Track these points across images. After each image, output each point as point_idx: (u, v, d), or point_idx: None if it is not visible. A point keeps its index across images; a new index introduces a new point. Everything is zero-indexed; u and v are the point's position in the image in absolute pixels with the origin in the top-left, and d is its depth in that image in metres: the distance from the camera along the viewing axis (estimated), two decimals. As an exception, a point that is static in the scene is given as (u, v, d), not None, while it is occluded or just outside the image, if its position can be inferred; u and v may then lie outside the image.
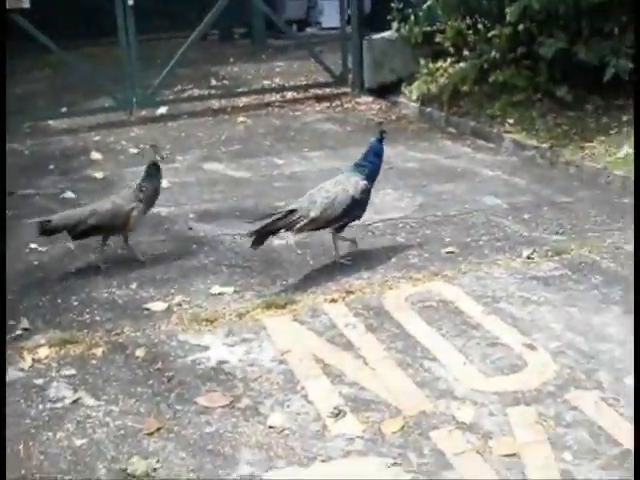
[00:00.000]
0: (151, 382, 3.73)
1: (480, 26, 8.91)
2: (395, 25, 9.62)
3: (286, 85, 10.68)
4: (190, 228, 5.71)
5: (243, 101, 10.05)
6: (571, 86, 7.71)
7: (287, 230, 4.74)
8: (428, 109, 8.88)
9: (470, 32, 9.00)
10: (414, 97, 9.16)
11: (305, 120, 9.06)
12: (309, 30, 15.96)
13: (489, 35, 8.36)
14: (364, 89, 10.01)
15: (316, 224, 4.77)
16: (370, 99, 9.79)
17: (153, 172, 5.16)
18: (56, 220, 4.97)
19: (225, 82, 11.41)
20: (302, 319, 4.26)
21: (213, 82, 11.29)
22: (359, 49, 10.04)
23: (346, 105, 9.68)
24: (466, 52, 8.97)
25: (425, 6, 8.90)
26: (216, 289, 4.66)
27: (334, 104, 9.73)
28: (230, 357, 3.91)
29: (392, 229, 5.50)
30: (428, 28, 9.45)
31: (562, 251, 5.02)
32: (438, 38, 9.18)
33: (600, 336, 3.98)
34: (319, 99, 9.94)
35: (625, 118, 7.21)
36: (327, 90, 10.26)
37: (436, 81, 9.04)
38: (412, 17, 9.33)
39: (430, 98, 8.95)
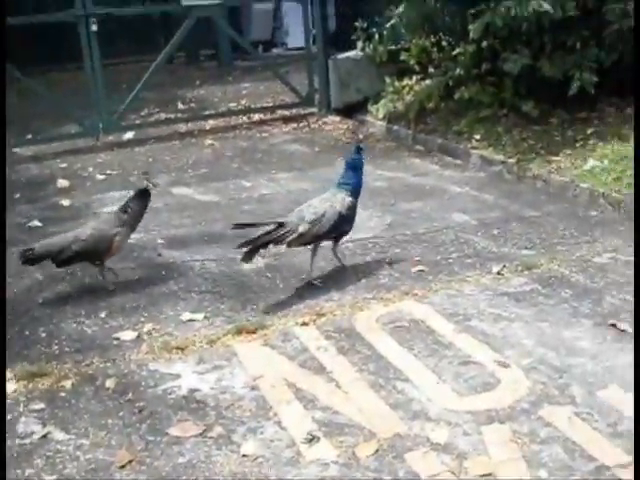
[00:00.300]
0: (122, 413, 3.68)
1: (444, 43, 9.00)
2: (360, 44, 9.68)
3: (253, 107, 10.70)
4: (159, 254, 5.67)
5: (210, 124, 10.04)
6: (536, 101, 7.78)
7: (276, 244, 4.84)
8: (395, 127, 8.92)
9: (434, 50, 9.08)
10: (381, 116, 9.21)
11: (272, 142, 9.06)
12: (275, 51, 16.04)
13: (453, 52, 8.43)
14: (331, 109, 10.05)
15: (304, 239, 4.87)
16: (337, 119, 9.82)
17: (141, 196, 5.14)
18: (38, 248, 4.94)
19: (192, 105, 11.41)
20: (273, 344, 4.23)
21: (180, 105, 11.29)
22: (325, 69, 10.09)
23: (313, 125, 9.71)
24: (431, 69, 9.05)
25: (389, 25, 8.94)
26: (186, 316, 4.62)
27: (301, 125, 9.76)
28: (201, 385, 3.87)
29: (362, 249, 5.50)
30: (393, 47, 9.52)
31: (532, 266, 5.04)
32: (403, 56, 9.24)
33: (571, 350, 3.98)
34: (286, 120, 9.96)
35: (590, 131, 7.29)
36: (294, 111, 10.29)
37: (402, 99, 9.10)
38: (376, 36, 9.39)
39: (397, 116, 9.00)
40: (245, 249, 4.74)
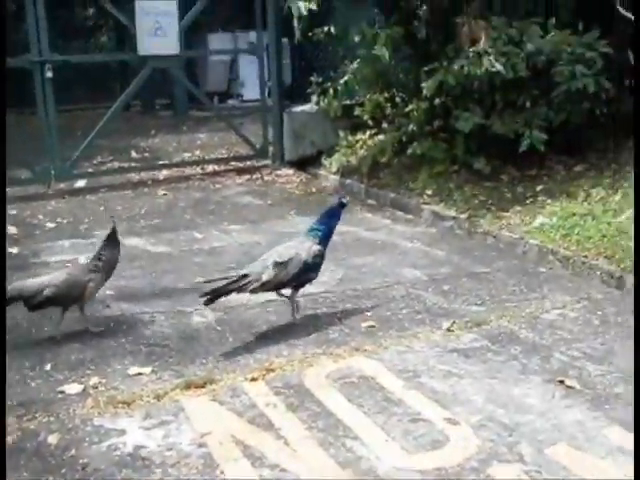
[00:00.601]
0: (64, 471, 3.58)
1: (398, 100, 9.14)
2: (315, 98, 9.78)
3: (207, 158, 10.72)
4: (108, 306, 5.58)
5: (164, 174, 10.02)
6: (487, 158, 7.91)
7: (239, 292, 4.87)
8: (348, 181, 8.99)
9: (388, 105, 9.22)
10: (334, 169, 9.29)
11: (226, 193, 9.06)
12: (231, 102, 16.14)
13: (407, 109, 8.57)
14: (284, 162, 10.11)
15: (268, 286, 4.93)
16: (290, 172, 9.88)
17: (111, 242, 5.15)
18: (11, 291, 4.90)
19: (146, 154, 11.39)
20: (222, 399, 4.17)
21: (134, 154, 11.26)
22: (279, 122, 10.16)
23: (267, 178, 9.74)
24: (385, 125, 9.17)
25: (343, 80, 9.06)
26: (134, 369, 4.54)
27: (255, 177, 9.78)
28: (147, 441, 3.79)
29: (312, 304, 5.48)
30: (347, 101, 9.63)
31: (481, 322, 5.07)
32: (357, 111, 9.36)
33: (520, 407, 3.99)
34: (240, 172, 9.98)
35: (539, 188, 7.41)
36: (248, 163, 10.33)
37: (355, 153, 9.20)
38: (331, 91, 9.49)
39: (350, 170, 9.09)
40: (208, 296, 4.78)
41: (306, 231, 5.25)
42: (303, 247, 5.06)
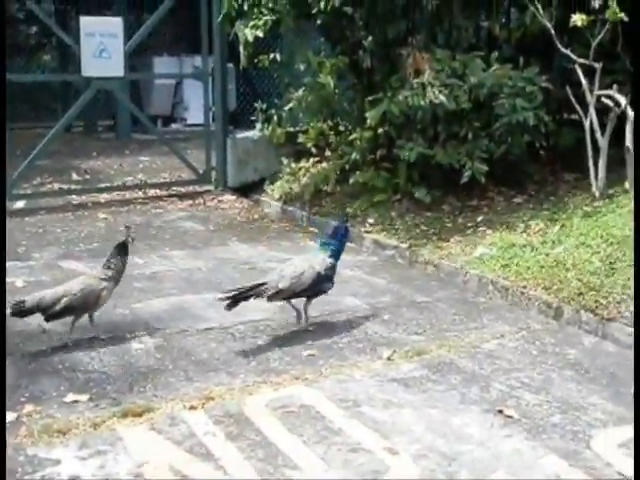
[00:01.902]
0: (-5, 502, 3.49)
1: (342, 128, 9.22)
2: (259, 125, 9.79)
3: (149, 182, 10.62)
4: (44, 331, 5.47)
5: (105, 197, 9.90)
6: (429, 187, 7.99)
7: (257, 297, 5.20)
8: (290, 208, 9.01)
9: (332, 133, 9.27)
10: (276, 196, 9.30)
11: (167, 218, 8.99)
12: (174, 126, 16.07)
13: (350, 137, 8.63)
14: (227, 187, 10.08)
15: (283, 294, 5.28)
16: (233, 198, 9.85)
17: (121, 251, 5.38)
18: (30, 301, 5.07)
19: (87, 177, 11.25)
20: (160, 428, 4.11)
21: (74, 176, 11.11)
22: (223, 147, 10.14)
23: (209, 203, 9.70)
24: (328, 153, 9.22)
25: (288, 108, 9.09)
26: (70, 397, 4.44)
27: (197, 202, 9.73)
28: (83, 471, 3.71)
29: (253, 331, 5.45)
30: (291, 129, 9.67)
31: (422, 351, 5.10)
32: (301, 138, 9.39)
33: (460, 437, 4.02)
34: (182, 197, 9.92)
35: (479, 218, 7.51)
36: (190, 188, 10.27)
37: (298, 181, 9.21)
38: (275, 118, 9.51)
39: (292, 197, 9.10)
40: (229, 300, 5.11)
41: (319, 246, 5.67)
42: (317, 260, 5.44)
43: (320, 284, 5.42)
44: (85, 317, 5.25)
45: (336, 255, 5.55)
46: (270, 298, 5.27)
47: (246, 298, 5.16)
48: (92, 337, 5.29)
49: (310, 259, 5.51)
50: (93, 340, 5.25)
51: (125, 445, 3.94)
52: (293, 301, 5.49)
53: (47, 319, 5.18)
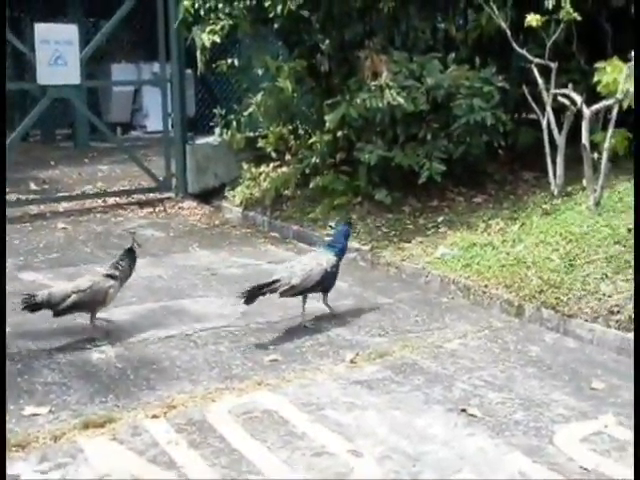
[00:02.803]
0: (-47, 519, 3.42)
1: (301, 132, 9.20)
2: (218, 130, 9.75)
3: (109, 190, 10.51)
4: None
5: (63, 206, 9.78)
6: (389, 189, 8.01)
7: (271, 293, 5.48)
8: (251, 213, 8.98)
9: (292, 137, 9.26)
10: (237, 202, 9.27)
11: (127, 226, 8.89)
12: (134, 133, 15.95)
13: (310, 141, 8.62)
14: (188, 194, 10.01)
15: (295, 290, 5.55)
16: (194, 204, 9.79)
17: (129, 255, 5.60)
18: (40, 296, 5.26)
19: (45, 186, 11.10)
20: (122, 438, 4.06)
21: (32, 186, 10.96)
22: (182, 154, 10.08)
23: (169, 210, 9.63)
24: (288, 157, 9.21)
25: (247, 113, 9.06)
26: (29, 410, 4.36)
27: (157, 209, 9.65)
28: (43, 485, 3.67)
29: (215, 338, 5.41)
30: (251, 133, 9.64)
31: (384, 353, 5.11)
32: (260, 143, 9.37)
33: (424, 437, 4.02)
34: (142, 204, 9.84)
35: (440, 219, 7.54)
36: (150, 195, 10.18)
37: (259, 186, 9.19)
38: (234, 123, 9.47)
39: (253, 202, 9.08)
40: (246, 295, 5.40)
41: (325, 246, 6.05)
42: (323, 258, 5.77)
43: (328, 280, 5.75)
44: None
45: (340, 255, 5.90)
46: (283, 294, 5.53)
47: (262, 294, 5.46)
48: (52, 349, 5.22)
49: (317, 257, 5.85)
50: (52, 352, 5.17)
51: (86, 457, 3.89)
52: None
53: (56, 314, 5.34)
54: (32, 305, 5.26)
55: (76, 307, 5.33)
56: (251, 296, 5.42)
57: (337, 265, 5.82)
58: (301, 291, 5.63)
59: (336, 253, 5.86)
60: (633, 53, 6.44)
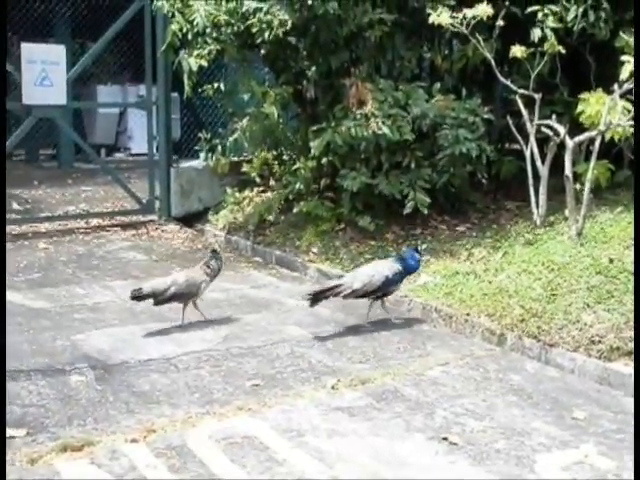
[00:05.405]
0: None
1: (286, 157, 9.22)
2: (203, 154, 9.75)
3: (91, 211, 10.47)
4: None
5: (46, 227, 9.74)
6: (373, 216, 8.02)
7: (334, 296, 6.01)
8: (234, 238, 8.97)
9: (276, 163, 9.28)
10: (220, 226, 9.26)
11: (110, 248, 8.87)
12: (118, 155, 15.93)
13: (294, 167, 8.63)
14: (171, 217, 10.00)
15: (357, 294, 6.04)
16: (177, 227, 9.77)
17: (216, 255, 6.43)
18: (146, 288, 6.01)
19: (28, 206, 11.04)
20: (100, 462, 4.01)
21: (15, 205, 10.89)
22: (167, 177, 10.07)
23: (152, 233, 9.60)
24: (272, 182, 9.22)
25: (232, 138, 9.07)
26: (6, 432, 4.31)
27: (140, 232, 9.62)
28: (19, 509, 3.61)
29: (196, 362, 5.37)
30: (235, 158, 9.66)
31: (366, 380, 5.09)
32: (245, 168, 9.38)
33: (404, 465, 4.00)
34: (125, 226, 9.81)
35: (423, 247, 7.52)
36: (134, 217, 10.16)
37: (242, 210, 9.20)
38: (219, 147, 9.48)
39: (236, 227, 9.08)
40: (310, 297, 5.97)
41: (394, 257, 6.48)
42: (387, 266, 6.17)
43: (389, 286, 6.13)
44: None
45: (405, 267, 6.21)
46: (345, 297, 6.03)
47: (326, 297, 5.99)
48: (30, 371, 5.16)
49: (381, 264, 6.29)
50: (30, 374, 5.12)
51: (63, 480, 3.85)
52: (360, 300, 6.25)
53: (156, 304, 6.04)
54: (139, 296, 5.97)
55: (174, 298, 6.05)
56: (315, 299, 5.96)
57: (399, 274, 6.17)
58: (362, 294, 6.06)
59: (401, 264, 6.20)
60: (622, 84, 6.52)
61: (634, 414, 4.12)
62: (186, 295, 6.10)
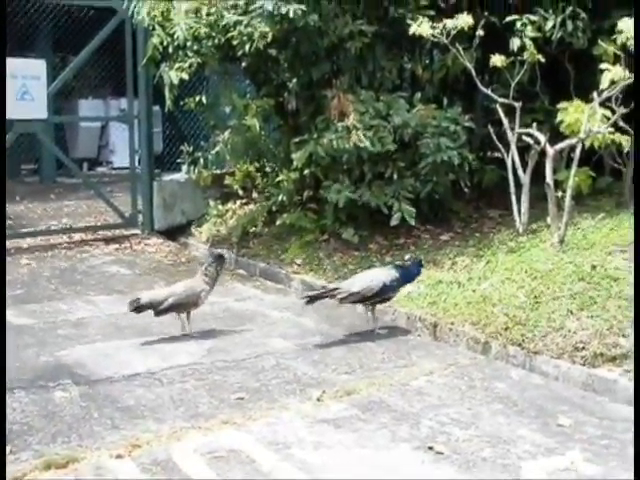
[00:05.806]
0: None
1: (268, 169, 9.23)
2: (185, 167, 9.74)
3: (74, 226, 10.43)
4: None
5: (28, 242, 9.68)
6: (356, 227, 8.03)
7: (331, 298, 6.18)
8: (218, 251, 8.94)
9: (259, 175, 9.29)
10: (204, 239, 9.25)
11: (93, 263, 8.83)
12: (100, 169, 15.91)
13: (277, 179, 8.63)
14: (154, 231, 9.97)
15: (354, 298, 6.16)
16: (160, 241, 9.75)
17: (217, 260, 6.38)
18: (144, 299, 6.05)
19: (9, 221, 10.97)
20: (85, 479, 3.98)
21: (-4, 222, 10.85)
22: (149, 190, 10.06)
23: (135, 247, 9.57)
24: (255, 194, 9.22)
25: (214, 151, 9.07)
26: (-3, 444, 4.30)
27: (123, 246, 9.58)
28: (2, 527, 3.58)
29: (180, 376, 5.35)
30: (218, 171, 9.66)
31: (351, 391, 5.08)
32: (228, 180, 9.38)
33: (391, 475, 3.99)
34: (108, 241, 9.77)
35: (407, 257, 7.54)
36: (116, 231, 10.12)
37: (226, 223, 9.20)
38: (202, 160, 9.46)
39: (220, 240, 9.07)
40: (308, 298, 6.18)
41: (393, 266, 6.52)
42: (385, 273, 6.29)
43: (386, 292, 6.21)
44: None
45: (402, 274, 6.29)
46: (342, 300, 6.15)
47: (323, 298, 6.20)
48: (14, 387, 5.13)
49: (380, 271, 6.41)
50: (14, 391, 5.08)
51: (48, 498, 3.82)
52: (359, 307, 6.45)
53: (156, 314, 6.06)
54: (137, 307, 5.97)
55: (173, 308, 6.06)
56: (313, 299, 6.17)
57: (397, 281, 6.24)
58: (360, 299, 6.17)
59: (398, 272, 6.27)
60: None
61: (634, 415, 4.11)
62: (185, 305, 6.13)
